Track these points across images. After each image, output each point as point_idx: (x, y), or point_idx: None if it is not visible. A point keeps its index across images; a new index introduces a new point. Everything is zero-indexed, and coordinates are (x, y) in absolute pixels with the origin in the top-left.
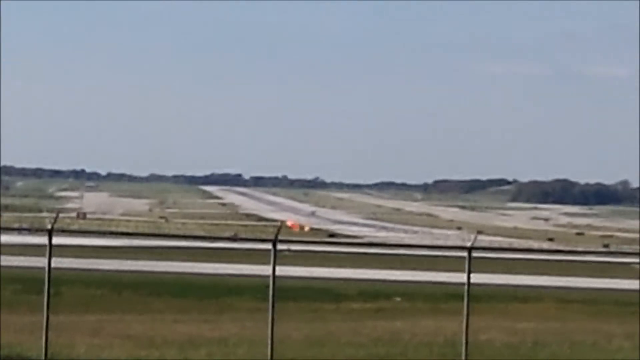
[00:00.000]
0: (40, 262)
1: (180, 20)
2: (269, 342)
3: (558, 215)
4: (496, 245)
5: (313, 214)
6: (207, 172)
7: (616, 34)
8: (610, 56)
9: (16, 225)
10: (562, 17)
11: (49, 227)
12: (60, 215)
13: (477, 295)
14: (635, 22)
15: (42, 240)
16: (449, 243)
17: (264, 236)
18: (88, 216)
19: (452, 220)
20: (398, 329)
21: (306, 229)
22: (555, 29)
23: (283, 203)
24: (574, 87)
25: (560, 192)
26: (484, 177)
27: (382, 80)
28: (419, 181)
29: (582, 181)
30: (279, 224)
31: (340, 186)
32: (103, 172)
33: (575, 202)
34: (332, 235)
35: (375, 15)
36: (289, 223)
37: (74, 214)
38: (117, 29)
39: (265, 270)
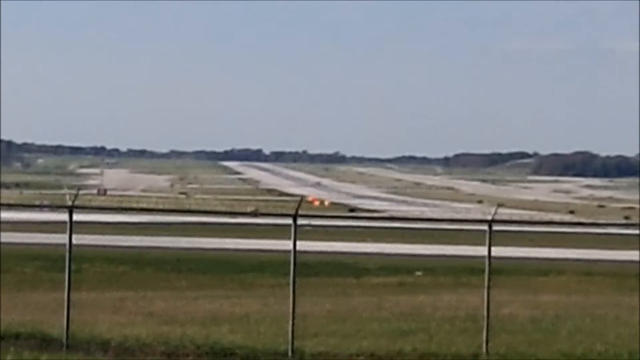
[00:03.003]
0: (61, 239)
1: None
2: (291, 317)
3: (579, 187)
4: (517, 218)
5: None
6: (228, 148)
7: (635, 8)
8: (630, 30)
9: (37, 202)
10: None
11: (70, 203)
12: (81, 192)
13: (498, 269)
14: None
15: (63, 217)
16: (470, 217)
17: (284, 211)
18: (108, 193)
19: (472, 194)
20: (420, 303)
21: (326, 203)
22: (576, 5)
23: (303, 178)
24: (594, 61)
25: (581, 165)
26: (504, 151)
27: (403, 55)
28: (440, 155)
29: (603, 154)
30: (299, 199)
31: (360, 160)
32: (123, 149)
33: (596, 175)
34: (352, 210)
35: None
36: (309, 198)
37: (94, 191)
38: (137, 4)
39: (286, 245)
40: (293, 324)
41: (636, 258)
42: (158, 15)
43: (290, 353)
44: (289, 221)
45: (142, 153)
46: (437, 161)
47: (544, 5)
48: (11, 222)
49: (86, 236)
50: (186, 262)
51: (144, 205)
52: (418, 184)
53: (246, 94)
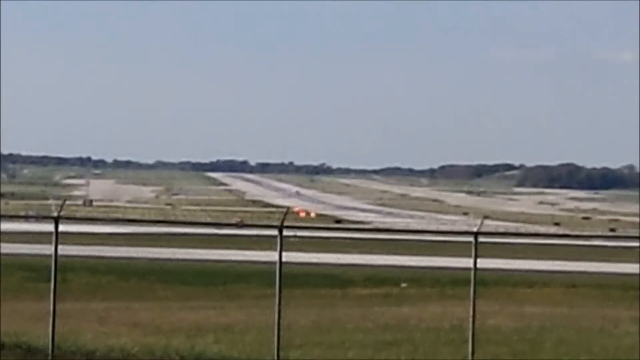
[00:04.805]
0: (47, 249)
1: (182, 6)
2: (276, 328)
3: (564, 199)
4: (503, 230)
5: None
6: (213, 159)
7: (622, 18)
8: (617, 41)
9: (23, 213)
10: (570, 1)
11: (56, 214)
12: (67, 202)
13: (483, 281)
14: None
15: (49, 227)
16: (456, 228)
17: (270, 222)
18: (94, 203)
19: (458, 206)
20: (405, 314)
21: (312, 215)
22: (563, 14)
23: (289, 189)
24: (580, 72)
25: (567, 177)
26: (490, 162)
27: (388, 65)
28: (425, 166)
29: (588, 166)
30: (284, 210)
31: (346, 172)
32: (109, 160)
33: (581, 187)
34: (338, 221)
35: None
36: (295, 209)
37: (80, 202)
38: (121, 15)
39: (272, 256)
40: (278, 335)
41: (621, 270)
42: (140, 26)
43: None
44: (275, 232)
45: (127, 164)
46: (423, 172)
47: (530, 13)
48: None
49: (72, 247)
50: (171, 273)
51: (130, 216)
52: (403, 196)
53: (232, 105)
